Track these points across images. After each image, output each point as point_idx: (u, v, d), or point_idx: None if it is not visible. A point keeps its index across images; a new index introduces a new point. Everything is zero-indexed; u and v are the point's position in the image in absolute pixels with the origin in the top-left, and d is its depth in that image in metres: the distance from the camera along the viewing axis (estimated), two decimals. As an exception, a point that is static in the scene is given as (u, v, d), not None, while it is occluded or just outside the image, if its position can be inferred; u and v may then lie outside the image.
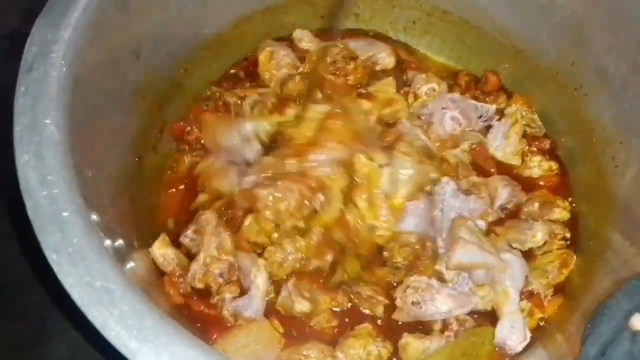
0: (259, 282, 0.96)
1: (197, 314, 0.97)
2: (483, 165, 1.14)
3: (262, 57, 1.25)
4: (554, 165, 1.15)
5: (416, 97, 1.20)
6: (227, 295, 0.96)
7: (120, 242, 0.83)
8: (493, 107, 1.19)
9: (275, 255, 0.98)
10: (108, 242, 0.74)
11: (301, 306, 0.95)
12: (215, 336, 0.94)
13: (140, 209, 1.04)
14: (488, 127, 1.18)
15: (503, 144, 1.15)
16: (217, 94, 1.23)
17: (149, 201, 1.09)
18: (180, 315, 0.95)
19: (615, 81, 0.99)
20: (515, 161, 1.16)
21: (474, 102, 1.18)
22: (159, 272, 1.00)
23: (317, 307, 0.97)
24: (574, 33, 1.05)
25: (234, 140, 1.10)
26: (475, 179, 1.10)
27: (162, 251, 0.99)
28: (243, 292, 0.98)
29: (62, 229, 0.69)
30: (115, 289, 0.66)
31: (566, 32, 1.07)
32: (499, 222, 1.08)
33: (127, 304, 0.66)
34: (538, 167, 1.14)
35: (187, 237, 1.03)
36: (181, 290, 0.98)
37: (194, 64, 1.21)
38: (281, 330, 0.96)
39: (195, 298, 0.98)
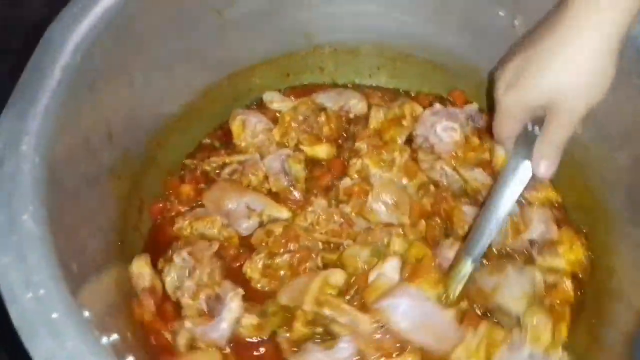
0: (233, 306, 0.96)
1: (155, 337, 0.97)
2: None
3: (235, 127, 1.23)
4: (557, 196, 1.15)
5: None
6: (188, 324, 0.95)
7: (115, 337, 0.77)
8: (475, 105, 1.21)
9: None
10: (104, 339, 0.67)
11: None
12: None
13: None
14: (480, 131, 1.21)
15: None
16: (192, 165, 1.21)
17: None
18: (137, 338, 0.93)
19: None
20: None
21: (453, 107, 1.20)
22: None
23: None
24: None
25: (238, 207, 1.09)
26: None
27: (140, 269, 1.01)
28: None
29: (54, 333, 0.63)
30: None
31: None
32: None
33: None
34: (544, 196, 1.14)
35: (181, 256, 1.02)
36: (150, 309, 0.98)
37: (166, 136, 1.18)
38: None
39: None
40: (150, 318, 0.97)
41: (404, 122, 1.25)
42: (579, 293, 1.05)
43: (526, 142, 0.90)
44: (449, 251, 1.08)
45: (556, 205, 1.16)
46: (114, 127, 0.99)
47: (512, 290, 1.00)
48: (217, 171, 1.17)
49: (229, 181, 1.16)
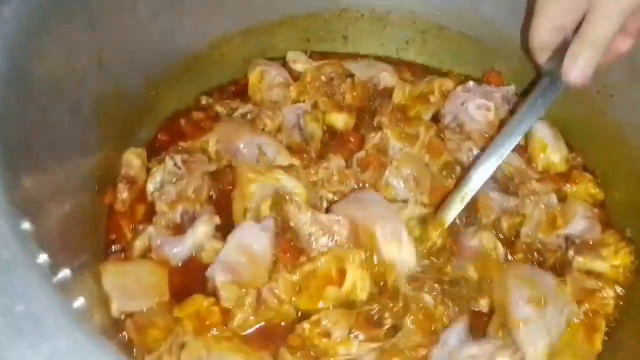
0: (200, 229, 0.90)
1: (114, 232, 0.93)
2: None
3: (253, 77, 1.13)
4: (599, 193, 1.01)
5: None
6: (151, 230, 0.90)
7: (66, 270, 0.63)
8: (512, 87, 1.09)
9: None
10: (43, 256, 0.54)
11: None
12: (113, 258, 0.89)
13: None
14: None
15: (557, 145, 1.03)
16: (207, 103, 1.12)
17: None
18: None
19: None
20: (562, 168, 1.04)
21: (489, 86, 1.07)
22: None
23: None
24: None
25: (248, 148, 0.99)
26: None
27: (130, 157, 0.97)
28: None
29: None
30: (45, 316, 0.46)
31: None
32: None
33: (64, 338, 0.46)
34: (584, 189, 1.00)
35: (174, 160, 0.96)
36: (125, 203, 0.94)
37: (167, 85, 1.07)
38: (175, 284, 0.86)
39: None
40: (120, 208, 0.94)
41: (432, 99, 1.13)
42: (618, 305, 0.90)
43: (562, 59, 0.82)
44: (470, 239, 0.94)
45: (598, 204, 1.02)
46: (107, 54, 0.89)
47: (538, 326, 0.83)
48: (230, 114, 1.07)
49: (243, 120, 1.05)
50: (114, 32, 0.90)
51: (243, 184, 0.92)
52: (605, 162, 1.01)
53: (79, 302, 0.56)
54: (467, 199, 0.92)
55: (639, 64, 0.90)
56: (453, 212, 0.93)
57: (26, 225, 0.55)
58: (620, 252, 0.92)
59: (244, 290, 0.83)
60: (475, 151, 1.04)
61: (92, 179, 0.91)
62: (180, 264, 0.90)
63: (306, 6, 1.18)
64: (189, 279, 0.88)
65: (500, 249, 0.93)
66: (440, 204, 0.95)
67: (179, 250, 0.90)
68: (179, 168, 0.98)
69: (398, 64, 1.22)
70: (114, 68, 0.91)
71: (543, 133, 1.04)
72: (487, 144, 1.05)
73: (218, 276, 0.84)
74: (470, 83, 1.11)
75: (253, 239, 0.87)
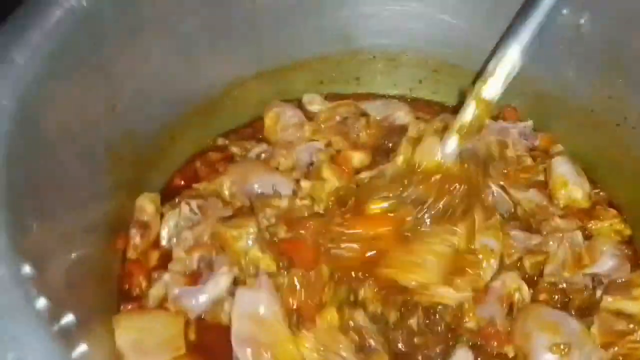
0: (222, 282, 0.88)
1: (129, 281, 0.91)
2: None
3: (268, 119, 1.13)
4: (626, 230, 0.97)
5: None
6: (168, 277, 0.88)
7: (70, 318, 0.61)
8: (530, 122, 1.06)
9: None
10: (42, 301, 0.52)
11: None
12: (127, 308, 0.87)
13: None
14: (533, 151, 1.05)
15: (578, 181, 0.99)
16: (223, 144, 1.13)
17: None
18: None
19: (671, 102, 0.85)
20: (585, 205, 0.99)
21: (505, 122, 1.05)
22: None
23: None
24: (609, 59, 0.93)
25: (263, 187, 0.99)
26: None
27: (143, 203, 0.96)
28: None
29: None
30: None
31: (598, 60, 0.95)
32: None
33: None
34: (609, 226, 0.96)
35: (190, 205, 0.96)
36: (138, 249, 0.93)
37: (182, 131, 1.08)
38: (191, 338, 0.85)
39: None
40: (132, 255, 0.93)
41: (447, 135, 1.11)
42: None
43: None
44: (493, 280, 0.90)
45: (625, 241, 0.97)
46: (120, 100, 0.90)
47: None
48: (243, 152, 1.08)
49: (257, 161, 1.06)
50: (127, 78, 0.91)
51: (230, 244, 0.91)
52: (631, 198, 0.97)
53: (80, 350, 0.54)
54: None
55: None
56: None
57: (27, 270, 0.53)
58: None
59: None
60: (494, 187, 1.01)
61: (104, 226, 0.90)
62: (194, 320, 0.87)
63: (318, 49, 1.18)
64: (207, 334, 0.86)
65: (525, 290, 0.89)
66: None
67: (199, 301, 0.87)
68: (195, 213, 0.97)
69: (413, 103, 1.21)
70: (127, 114, 0.92)
71: (563, 169, 1.00)
72: (505, 181, 1.02)
73: (241, 356, 0.80)
74: (488, 121, 1.09)
75: (254, 305, 0.83)
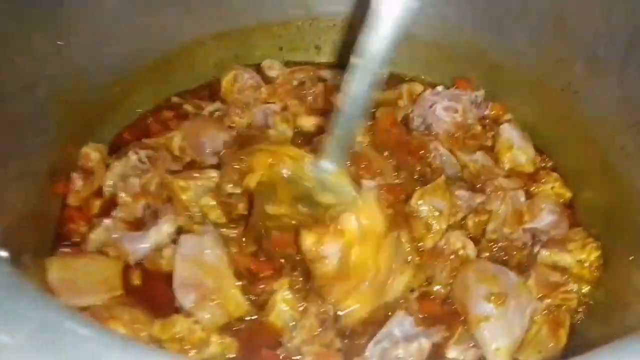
0: (164, 229, 0.88)
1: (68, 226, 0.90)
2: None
3: (225, 80, 1.13)
4: (566, 192, 0.99)
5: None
6: (108, 222, 0.88)
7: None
8: (481, 91, 1.08)
9: None
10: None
11: None
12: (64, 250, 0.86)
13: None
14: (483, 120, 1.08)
15: (523, 146, 1.02)
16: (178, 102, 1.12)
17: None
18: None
19: (610, 64, 0.87)
20: (529, 169, 1.02)
21: (457, 90, 1.07)
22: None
23: None
24: (555, 26, 0.95)
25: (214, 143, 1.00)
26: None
27: (89, 150, 0.96)
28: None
29: None
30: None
31: (545, 28, 0.97)
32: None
33: None
34: (551, 189, 0.99)
35: (139, 155, 0.95)
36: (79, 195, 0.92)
37: (135, 86, 1.07)
38: (135, 283, 0.85)
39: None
40: (74, 201, 0.92)
41: (400, 103, 1.13)
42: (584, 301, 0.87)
43: None
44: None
45: (566, 204, 0.99)
46: (68, 41, 0.88)
47: (498, 324, 0.80)
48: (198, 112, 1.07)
49: (210, 118, 1.06)
50: (77, 20, 0.90)
51: (177, 194, 0.90)
52: (574, 162, 0.99)
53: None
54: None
55: (601, 58, 0.89)
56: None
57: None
58: (587, 247, 0.89)
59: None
60: (443, 151, 1.02)
61: (46, 171, 0.89)
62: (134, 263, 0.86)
63: (279, 14, 1.19)
64: (146, 280, 0.86)
65: (471, 246, 0.90)
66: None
67: (140, 245, 0.87)
68: (143, 163, 0.97)
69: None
70: (76, 57, 0.91)
71: (509, 134, 1.03)
72: (453, 145, 1.04)
73: (184, 302, 0.80)
74: (439, 87, 1.11)
75: (198, 249, 0.83)
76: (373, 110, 1.07)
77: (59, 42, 0.86)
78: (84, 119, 0.97)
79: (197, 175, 0.92)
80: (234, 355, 0.79)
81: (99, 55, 0.97)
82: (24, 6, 0.79)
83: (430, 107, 1.08)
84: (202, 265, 0.82)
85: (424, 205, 0.92)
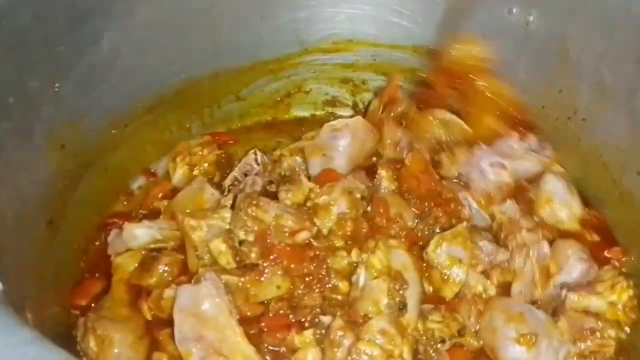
0: None
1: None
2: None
3: None
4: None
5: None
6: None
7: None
8: (533, 137, 1.01)
9: None
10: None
11: None
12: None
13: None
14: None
15: (567, 201, 0.95)
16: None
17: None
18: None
19: (618, 89, 0.87)
20: (572, 227, 0.96)
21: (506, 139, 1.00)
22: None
23: None
24: (557, 54, 0.96)
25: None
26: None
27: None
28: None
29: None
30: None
31: (547, 56, 0.98)
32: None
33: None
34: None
35: None
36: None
37: (128, 128, 1.03)
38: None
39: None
40: None
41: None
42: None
43: None
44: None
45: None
46: (64, 81, 0.85)
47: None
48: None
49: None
50: (73, 60, 0.87)
51: (188, 233, 0.85)
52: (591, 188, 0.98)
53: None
54: None
55: (608, 84, 0.90)
56: None
57: None
58: (617, 287, 0.84)
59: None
60: (472, 202, 0.97)
61: (43, 220, 0.84)
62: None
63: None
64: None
65: (492, 287, 0.86)
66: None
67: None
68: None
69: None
70: (71, 97, 0.87)
71: (553, 187, 0.96)
72: (487, 201, 0.98)
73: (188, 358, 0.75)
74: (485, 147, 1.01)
75: (194, 300, 0.77)
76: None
77: (56, 85, 0.82)
78: (79, 163, 0.93)
79: (210, 214, 0.86)
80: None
81: (93, 97, 0.94)
82: (19, 48, 0.75)
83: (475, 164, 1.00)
84: (201, 316, 0.76)
85: (442, 253, 0.86)
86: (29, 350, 0.43)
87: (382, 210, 0.88)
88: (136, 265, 0.88)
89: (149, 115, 1.06)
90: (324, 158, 1.00)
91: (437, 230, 0.90)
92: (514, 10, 1.00)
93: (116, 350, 0.77)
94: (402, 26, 1.12)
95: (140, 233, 0.90)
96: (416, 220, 0.90)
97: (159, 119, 1.08)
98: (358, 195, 0.90)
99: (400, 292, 0.78)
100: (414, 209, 0.93)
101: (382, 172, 0.96)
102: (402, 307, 0.78)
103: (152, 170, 1.09)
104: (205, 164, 1.05)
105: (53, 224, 0.85)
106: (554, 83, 0.99)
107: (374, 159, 1.05)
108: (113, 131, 1.00)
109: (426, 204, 0.93)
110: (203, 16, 1.05)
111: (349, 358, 0.73)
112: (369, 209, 0.89)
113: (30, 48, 0.77)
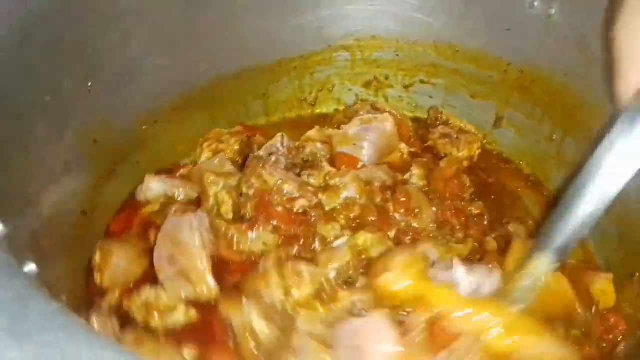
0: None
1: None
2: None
3: None
4: None
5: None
6: None
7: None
8: None
9: None
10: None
11: None
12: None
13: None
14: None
15: None
16: None
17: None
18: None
19: None
20: None
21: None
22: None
23: None
24: (578, 47, 0.95)
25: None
26: None
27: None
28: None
29: None
30: None
31: (568, 49, 0.97)
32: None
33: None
34: None
35: None
36: None
37: (157, 125, 1.07)
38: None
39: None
40: None
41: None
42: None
43: None
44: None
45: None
46: (96, 81, 0.89)
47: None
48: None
49: None
50: (104, 61, 0.91)
51: (206, 188, 0.94)
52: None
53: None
54: None
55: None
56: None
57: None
58: None
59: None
60: None
61: (77, 210, 0.89)
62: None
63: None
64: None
65: None
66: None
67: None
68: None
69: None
70: (103, 97, 0.92)
71: None
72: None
73: (159, 274, 0.84)
74: None
75: (177, 229, 0.86)
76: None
77: (89, 84, 0.87)
78: (111, 158, 0.98)
79: (229, 176, 0.93)
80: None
81: (124, 95, 0.98)
82: (55, 50, 0.81)
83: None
84: (177, 242, 0.85)
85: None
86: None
87: (403, 200, 0.90)
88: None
89: (177, 113, 1.10)
90: (353, 147, 1.04)
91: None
92: (536, 4, 0.99)
93: (115, 260, 0.87)
94: (424, 22, 1.13)
95: (155, 186, 0.98)
96: (432, 225, 0.91)
97: (186, 116, 1.12)
98: (377, 185, 0.92)
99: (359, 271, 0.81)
100: (434, 209, 0.94)
101: (415, 169, 1.00)
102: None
103: (181, 165, 1.13)
104: (229, 152, 1.09)
105: (87, 214, 0.90)
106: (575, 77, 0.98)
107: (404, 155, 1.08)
108: (143, 127, 1.05)
109: (447, 209, 0.94)
110: (228, 16, 1.08)
111: None
112: (389, 195, 0.92)
113: (64, 50, 0.82)
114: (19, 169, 0.71)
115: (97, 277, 0.87)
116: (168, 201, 0.97)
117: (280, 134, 1.07)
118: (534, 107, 1.09)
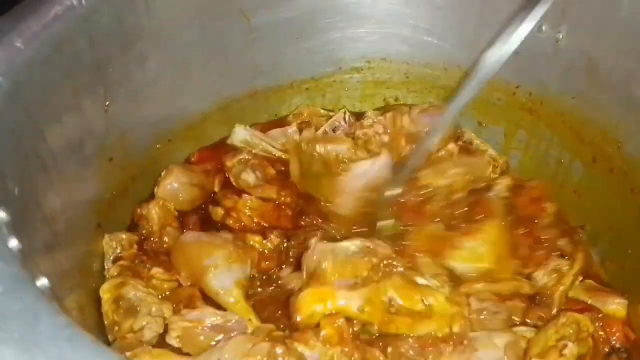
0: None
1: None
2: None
3: None
4: None
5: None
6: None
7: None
8: None
9: None
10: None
11: None
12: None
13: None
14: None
15: None
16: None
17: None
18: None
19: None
20: None
21: None
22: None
23: None
24: (587, 71, 0.96)
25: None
26: None
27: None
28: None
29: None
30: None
31: (577, 74, 0.98)
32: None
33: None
34: None
35: None
36: None
37: (172, 143, 1.10)
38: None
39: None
40: None
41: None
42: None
43: None
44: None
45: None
46: (113, 100, 0.93)
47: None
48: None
49: None
50: (122, 81, 0.94)
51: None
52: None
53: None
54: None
55: (638, 101, 0.89)
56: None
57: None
58: None
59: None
60: None
61: (92, 226, 0.92)
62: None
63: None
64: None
65: None
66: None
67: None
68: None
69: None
70: (120, 116, 0.95)
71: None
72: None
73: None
74: None
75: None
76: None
77: (106, 104, 0.90)
78: (127, 174, 1.01)
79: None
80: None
81: (140, 114, 1.01)
82: (75, 71, 0.84)
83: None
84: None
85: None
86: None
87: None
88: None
89: (192, 131, 1.14)
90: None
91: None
92: (544, 28, 1.01)
93: (169, 181, 1.03)
94: (434, 45, 1.16)
95: (239, 131, 1.14)
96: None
97: (201, 134, 1.15)
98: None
99: None
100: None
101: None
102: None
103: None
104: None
105: (101, 227, 0.92)
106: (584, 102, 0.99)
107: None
108: (158, 146, 1.08)
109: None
110: (242, 39, 1.11)
111: None
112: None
113: (84, 71, 0.85)
114: (40, 185, 0.74)
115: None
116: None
117: (342, 110, 1.20)
118: (543, 130, 1.10)
